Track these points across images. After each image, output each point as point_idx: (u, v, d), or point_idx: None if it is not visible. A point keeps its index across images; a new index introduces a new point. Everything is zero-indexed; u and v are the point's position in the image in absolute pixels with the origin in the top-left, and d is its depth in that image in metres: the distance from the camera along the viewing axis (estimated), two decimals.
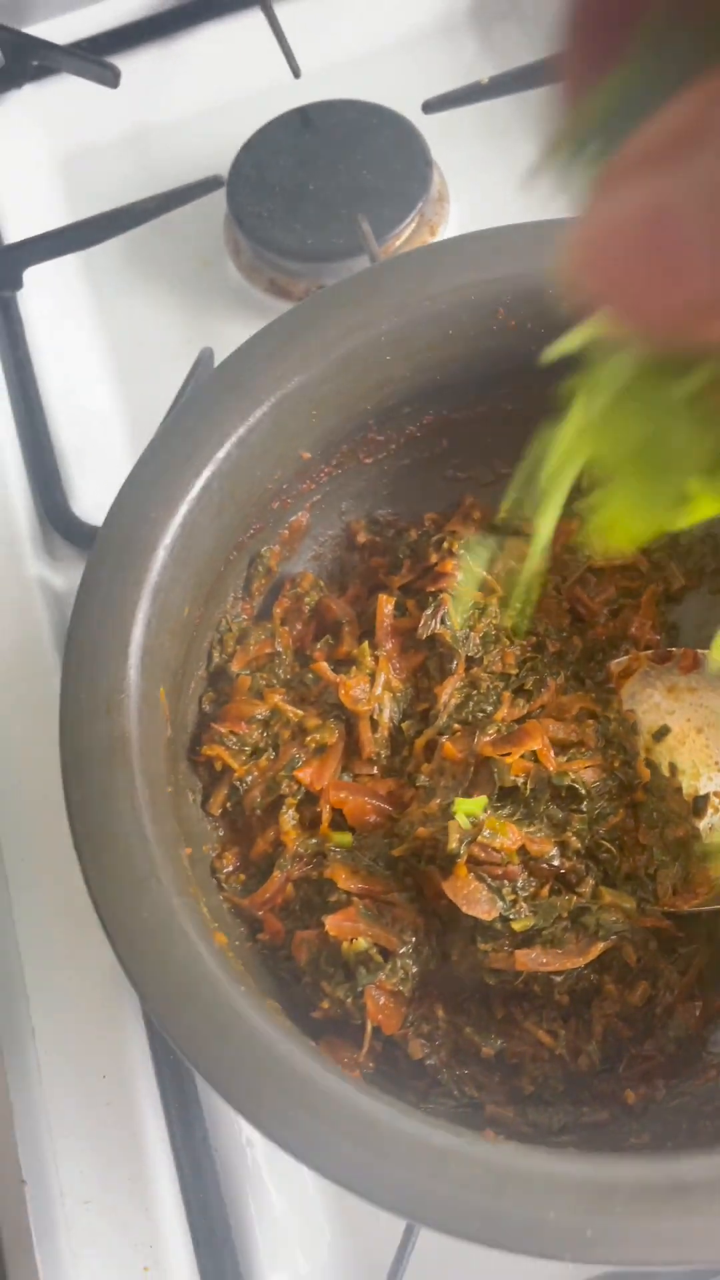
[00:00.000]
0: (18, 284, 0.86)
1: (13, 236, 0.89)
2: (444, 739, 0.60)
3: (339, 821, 0.60)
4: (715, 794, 0.60)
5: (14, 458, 0.80)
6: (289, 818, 0.60)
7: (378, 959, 0.55)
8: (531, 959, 0.54)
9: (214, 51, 0.96)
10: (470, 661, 0.63)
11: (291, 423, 0.59)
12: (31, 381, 0.83)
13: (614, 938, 0.55)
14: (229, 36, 0.95)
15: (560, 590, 0.66)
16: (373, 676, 0.62)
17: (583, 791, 0.58)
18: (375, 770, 0.62)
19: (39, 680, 0.72)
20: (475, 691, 0.62)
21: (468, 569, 0.64)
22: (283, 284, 0.85)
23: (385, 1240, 0.56)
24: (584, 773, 0.58)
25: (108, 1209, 0.60)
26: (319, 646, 0.65)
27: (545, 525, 0.29)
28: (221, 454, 0.56)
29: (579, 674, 0.64)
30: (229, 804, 0.61)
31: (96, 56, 0.92)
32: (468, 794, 0.57)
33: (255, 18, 0.92)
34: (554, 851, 0.56)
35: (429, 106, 0.87)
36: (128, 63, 0.92)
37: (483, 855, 0.55)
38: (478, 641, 0.63)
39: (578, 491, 0.28)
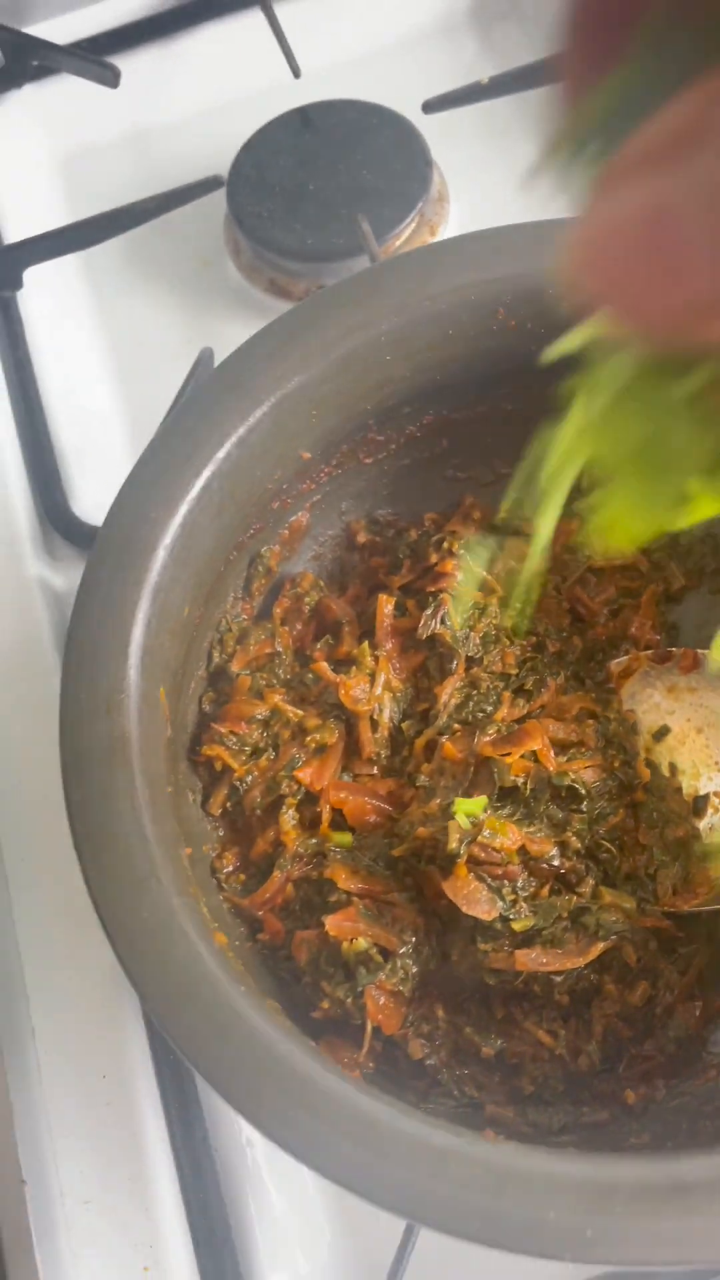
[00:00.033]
0: (18, 284, 0.86)
1: (13, 236, 0.89)
2: (444, 739, 0.60)
3: (339, 821, 0.60)
4: (715, 794, 0.60)
5: (14, 457, 0.80)
6: (289, 818, 0.60)
7: (378, 959, 0.55)
8: (531, 959, 0.54)
9: (214, 51, 0.96)
10: (470, 661, 0.63)
11: (291, 423, 0.59)
12: (31, 381, 0.83)
13: (614, 938, 0.55)
14: (229, 36, 0.95)
15: (560, 590, 0.66)
16: (373, 676, 0.62)
17: (583, 791, 0.58)
18: (375, 770, 0.62)
19: (38, 680, 0.72)
20: (475, 691, 0.62)
21: (468, 569, 0.64)
22: (283, 284, 0.85)
23: (385, 1240, 0.56)
24: (584, 773, 0.58)
25: (108, 1209, 0.60)
26: (319, 646, 0.65)
27: (545, 525, 0.29)
28: (221, 454, 0.56)
29: (579, 674, 0.64)
30: (229, 804, 0.61)
31: (96, 56, 0.92)
32: (468, 794, 0.57)
33: (255, 18, 0.92)
34: (554, 851, 0.56)
35: (429, 106, 0.87)
36: (128, 63, 0.93)
37: (483, 855, 0.55)
38: (478, 641, 0.63)
39: (578, 491, 0.28)
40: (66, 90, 0.95)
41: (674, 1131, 0.51)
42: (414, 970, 0.56)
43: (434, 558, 0.65)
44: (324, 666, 0.62)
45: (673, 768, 0.61)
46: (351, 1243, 0.59)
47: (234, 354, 0.59)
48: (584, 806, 0.58)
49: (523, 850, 0.56)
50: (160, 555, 0.54)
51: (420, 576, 0.65)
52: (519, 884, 0.56)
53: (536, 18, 0.94)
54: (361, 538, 0.68)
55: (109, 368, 0.86)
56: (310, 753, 0.61)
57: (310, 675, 0.63)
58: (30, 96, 0.96)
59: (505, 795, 0.58)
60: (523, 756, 0.58)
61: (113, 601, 0.53)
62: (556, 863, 0.56)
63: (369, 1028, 0.54)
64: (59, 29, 0.96)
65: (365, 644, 0.63)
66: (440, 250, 0.61)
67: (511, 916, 0.55)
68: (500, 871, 0.55)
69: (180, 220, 0.88)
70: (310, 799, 0.60)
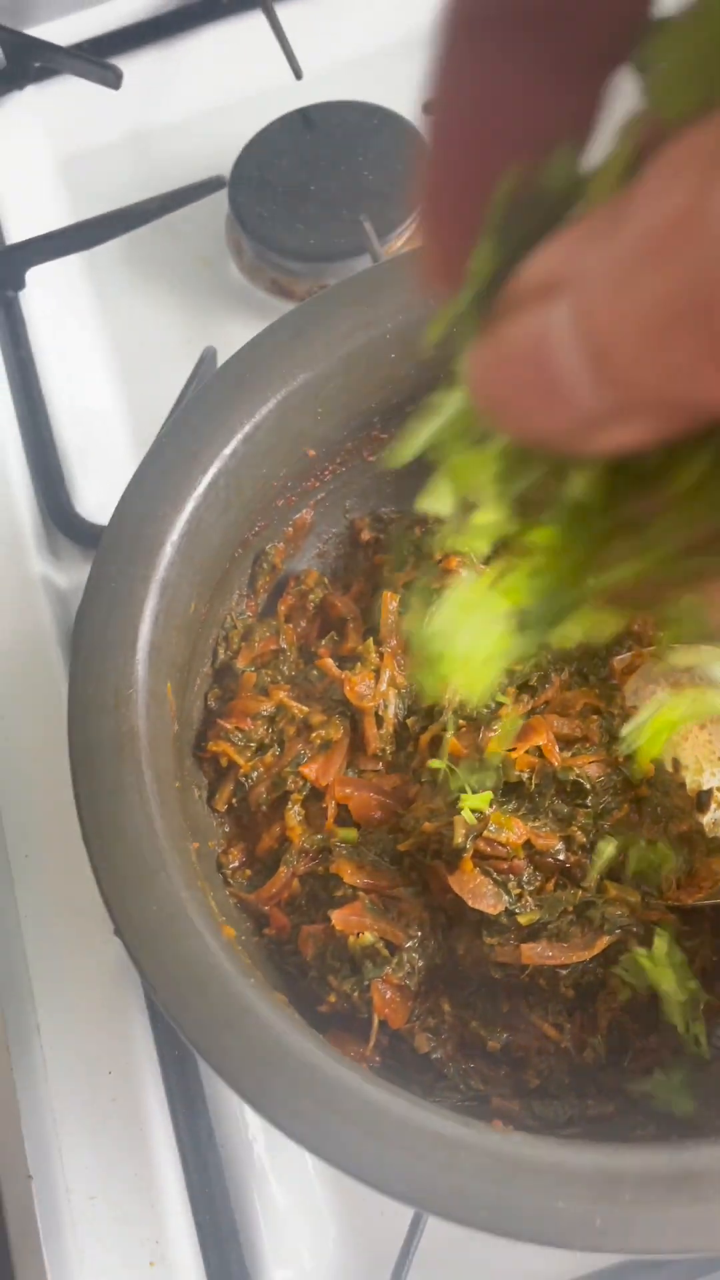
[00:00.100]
0: (20, 284, 0.87)
1: (15, 237, 0.90)
2: (449, 735, 0.60)
3: (344, 817, 0.61)
4: (718, 789, 0.60)
5: (17, 457, 0.81)
6: (294, 813, 0.60)
7: (384, 953, 0.55)
8: (537, 953, 0.55)
9: (216, 53, 0.96)
10: None
11: (297, 420, 0.59)
12: (34, 381, 0.83)
13: (619, 931, 0.56)
14: (231, 38, 0.96)
15: None
16: (377, 673, 0.62)
17: (587, 786, 0.58)
18: (380, 766, 0.62)
19: (42, 678, 0.72)
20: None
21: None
22: (284, 284, 0.85)
23: (390, 1236, 0.56)
24: (588, 768, 0.59)
25: (113, 1204, 0.60)
26: (323, 643, 0.65)
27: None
28: (228, 451, 0.57)
29: (583, 670, 0.64)
30: (234, 800, 0.61)
31: (98, 58, 0.92)
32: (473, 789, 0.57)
33: (257, 19, 0.92)
34: (559, 846, 0.57)
35: (429, 107, 0.87)
36: (129, 64, 0.93)
37: (488, 850, 0.55)
38: None
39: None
40: (68, 91, 0.95)
41: (680, 1123, 0.51)
42: (420, 964, 0.56)
43: (438, 555, 0.65)
44: (329, 663, 0.63)
45: (676, 763, 0.61)
46: (356, 1238, 0.59)
47: (240, 352, 0.59)
48: (588, 801, 0.58)
49: (528, 845, 0.56)
50: (168, 551, 0.54)
51: (424, 574, 0.66)
52: (524, 878, 0.56)
53: None
54: (365, 535, 0.68)
55: (111, 367, 0.86)
56: (315, 749, 0.61)
57: (315, 672, 0.63)
58: (32, 98, 0.96)
59: (510, 790, 0.58)
60: (527, 752, 0.58)
61: (121, 596, 0.53)
62: (562, 857, 0.57)
63: (375, 1021, 0.54)
64: (61, 30, 0.96)
65: (370, 640, 0.63)
66: None
67: (517, 910, 0.55)
68: (506, 866, 0.55)
69: (182, 221, 0.88)
70: (315, 795, 0.61)
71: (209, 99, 0.96)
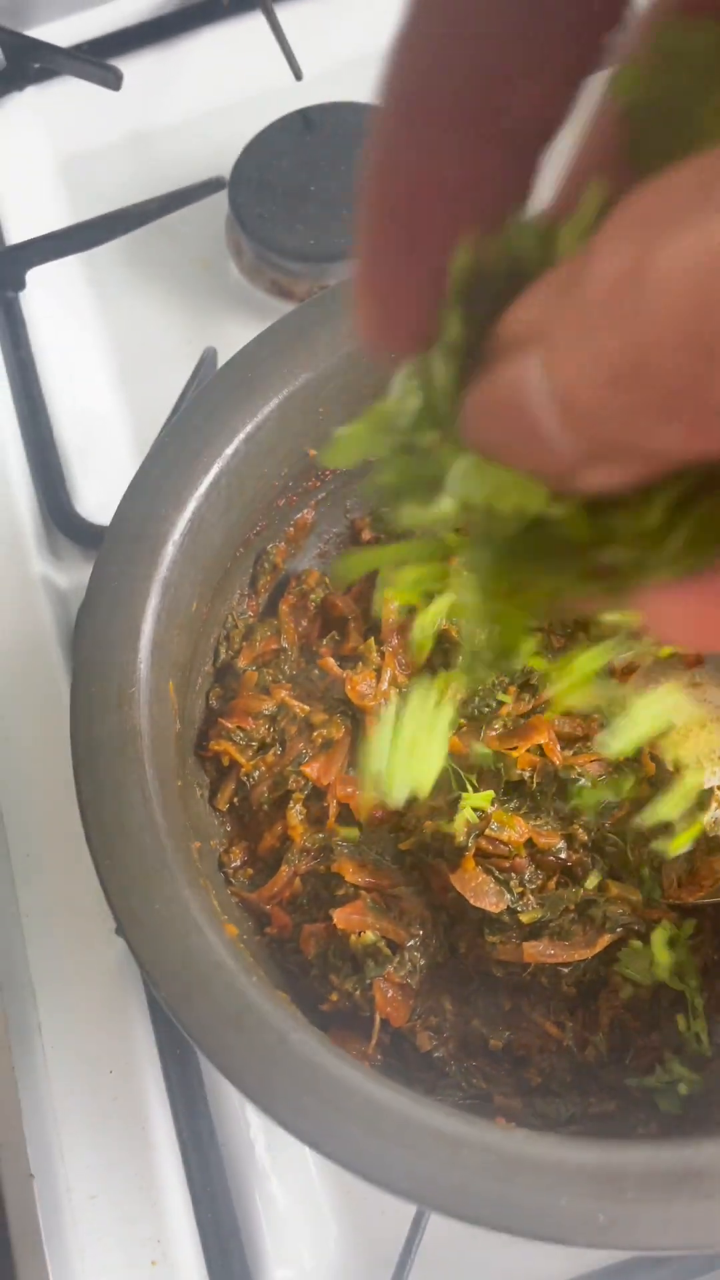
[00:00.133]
0: (21, 285, 0.87)
1: (15, 237, 0.90)
2: (450, 734, 0.60)
3: (346, 816, 0.61)
4: (718, 788, 0.61)
5: (17, 457, 0.81)
6: (296, 812, 0.60)
7: (386, 952, 0.55)
8: (539, 951, 0.55)
9: (215, 54, 0.96)
10: None
11: (299, 420, 0.59)
12: (35, 381, 0.83)
13: (620, 930, 0.56)
14: (230, 39, 0.96)
15: None
16: (379, 672, 0.62)
17: (589, 785, 0.58)
18: None
19: (42, 678, 0.72)
20: (480, 686, 0.62)
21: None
22: (284, 285, 0.85)
23: (392, 1235, 0.56)
24: (589, 766, 0.59)
25: (115, 1203, 0.60)
26: (325, 643, 0.65)
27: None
28: (230, 450, 0.57)
29: None
30: (236, 799, 0.61)
31: (98, 59, 0.92)
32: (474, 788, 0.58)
33: (256, 20, 0.92)
34: (561, 844, 0.57)
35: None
36: (129, 65, 0.93)
37: (490, 848, 0.55)
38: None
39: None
40: (68, 92, 0.95)
41: (682, 1120, 0.51)
42: (422, 963, 0.56)
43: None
44: (331, 662, 0.63)
45: (677, 762, 0.62)
46: (358, 1238, 0.59)
47: (241, 352, 0.59)
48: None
49: (530, 843, 0.56)
50: (170, 550, 0.55)
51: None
52: (526, 876, 0.56)
53: None
54: (366, 535, 0.68)
55: (111, 368, 0.86)
56: (317, 748, 0.61)
57: (316, 671, 0.63)
58: (32, 99, 0.96)
59: (512, 789, 0.58)
60: (529, 750, 0.58)
61: (123, 595, 0.53)
62: (564, 855, 0.57)
63: (377, 1020, 0.55)
64: (61, 31, 0.96)
65: (371, 640, 0.63)
66: None
67: (519, 909, 0.55)
68: (508, 864, 0.55)
69: (182, 222, 0.88)
70: (317, 794, 0.61)
71: (209, 100, 0.96)
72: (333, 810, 0.60)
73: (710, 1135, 0.44)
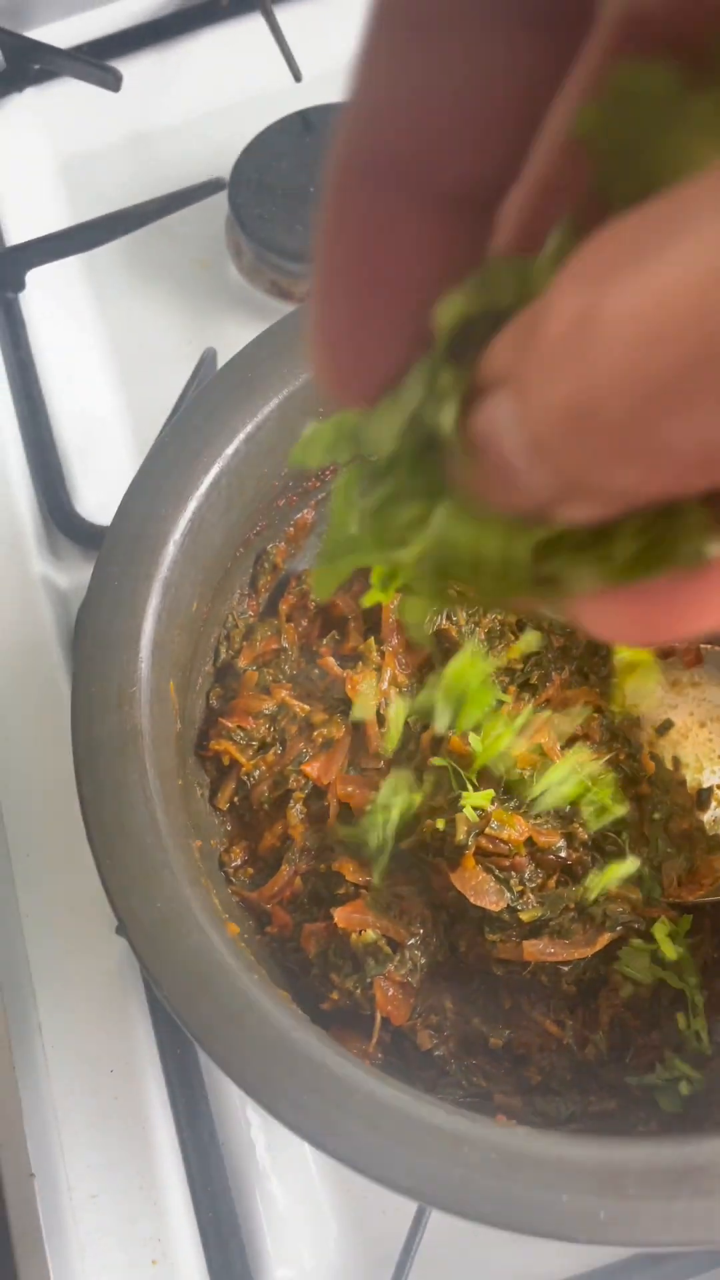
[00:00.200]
0: (20, 285, 0.87)
1: (15, 238, 0.90)
2: (450, 733, 0.60)
3: (346, 815, 0.61)
4: (718, 787, 0.61)
5: (17, 458, 0.81)
6: (296, 812, 0.60)
7: (386, 950, 0.55)
8: (539, 949, 0.55)
9: (215, 55, 0.96)
10: None
11: (299, 420, 0.59)
12: (34, 382, 0.83)
13: (620, 928, 0.56)
14: (230, 40, 0.96)
15: None
16: (379, 671, 0.62)
17: (588, 784, 0.58)
18: (382, 764, 0.62)
19: (42, 678, 0.72)
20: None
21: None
22: (284, 285, 0.86)
23: (392, 1235, 0.56)
24: (589, 765, 0.59)
25: (115, 1202, 0.60)
26: (325, 642, 0.65)
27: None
28: (230, 450, 0.57)
29: (583, 669, 0.65)
30: (236, 799, 0.61)
31: (98, 60, 0.92)
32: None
33: (256, 22, 0.92)
34: (561, 843, 0.57)
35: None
36: (129, 66, 0.93)
37: (490, 847, 0.55)
38: (483, 637, 0.63)
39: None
40: (68, 93, 0.95)
41: (682, 1118, 0.51)
42: (422, 961, 0.56)
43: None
44: (331, 662, 0.63)
45: (676, 761, 0.62)
46: (358, 1237, 0.59)
47: (242, 352, 0.60)
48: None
49: (530, 842, 0.56)
50: (170, 550, 0.55)
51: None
52: (526, 875, 0.56)
53: None
54: None
55: (111, 369, 0.86)
56: (317, 747, 0.61)
57: (316, 671, 0.63)
58: (32, 100, 0.96)
59: (512, 788, 0.58)
60: (529, 750, 0.58)
61: (124, 595, 0.53)
62: (564, 854, 0.57)
63: (378, 1018, 0.55)
64: (60, 33, 0.96)
65: (371, 639, 0.63)
66: None
67: (519, 907, 0.55)
68: (508, 863, 0.56)
69: (181, 223, 0.88)
70: (317, 793, 0.61)
71: (208, 101, 0.96)
72: (333, 809, 0.60)
73: (711, 1133, 0.44)
